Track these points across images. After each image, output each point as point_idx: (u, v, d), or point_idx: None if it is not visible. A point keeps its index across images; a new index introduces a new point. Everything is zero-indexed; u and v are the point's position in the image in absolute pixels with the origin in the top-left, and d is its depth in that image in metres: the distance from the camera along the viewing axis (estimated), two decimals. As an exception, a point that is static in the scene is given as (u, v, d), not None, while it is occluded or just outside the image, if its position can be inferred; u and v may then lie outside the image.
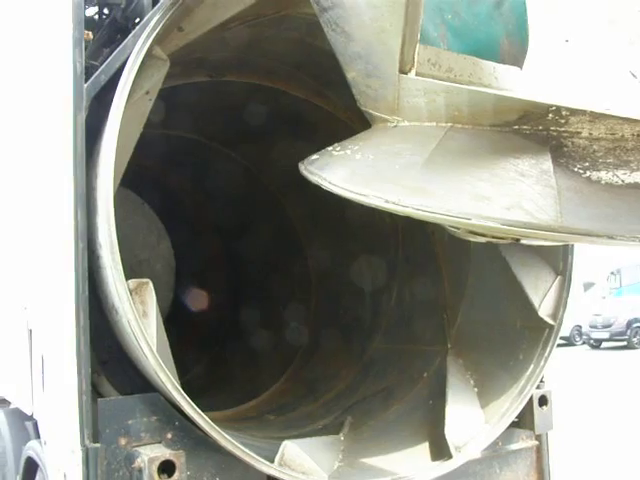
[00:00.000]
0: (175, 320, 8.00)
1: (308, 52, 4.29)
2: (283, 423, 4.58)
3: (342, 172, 2.62)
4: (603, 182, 2.41)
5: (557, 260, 4.04)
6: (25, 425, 4.62)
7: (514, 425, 4.04)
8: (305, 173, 2.77)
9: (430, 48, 3.02)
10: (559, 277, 4.02)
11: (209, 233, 7.70)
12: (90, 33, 3.19)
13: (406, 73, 2.57)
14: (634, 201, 2.37)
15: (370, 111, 2.81)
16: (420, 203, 2.37)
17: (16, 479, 4.60)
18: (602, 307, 30.96)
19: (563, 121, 2.48)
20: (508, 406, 3.85)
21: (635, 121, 2.48)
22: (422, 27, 2.67)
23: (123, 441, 3.08)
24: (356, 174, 2.59)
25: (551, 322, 3.94)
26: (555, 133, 2.51)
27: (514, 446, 4.19)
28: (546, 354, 3.93)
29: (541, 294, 3.97)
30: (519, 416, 3.99)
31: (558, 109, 2.46)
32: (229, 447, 3.00)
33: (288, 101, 5.01)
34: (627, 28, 3.35)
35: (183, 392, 2.94)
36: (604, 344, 29.51)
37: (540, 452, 4.31)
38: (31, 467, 4.25)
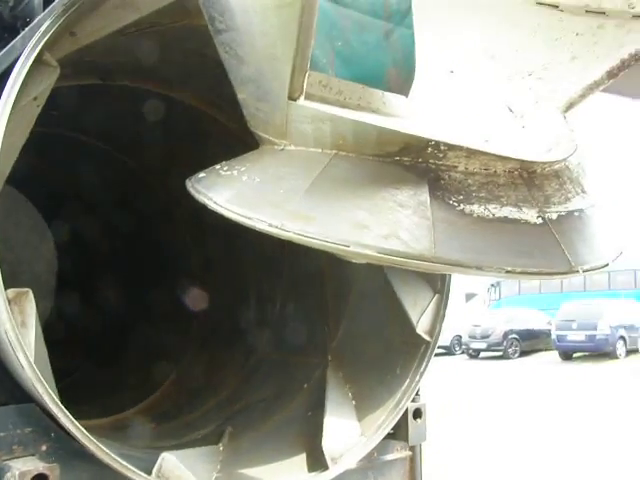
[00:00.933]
0: (56, 322, 7.81)
1: (204, 63, 4.29)
2: (164, 432, 4.56)
3: (228, 193, 2.67)
4: (475, 215, 2.56)
5: (436, 279, 4.21)
6: None
7: (389, 436, 4.18)
8: (192, 191, 2.80)
9: (320, 73, 3.11)
10: (437, 295, 4.20)
11: (95, 235, 7.54)
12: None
13: (295, 100, 2.64)
14: (502, 234, 2.53)
15: (259, 133, 2.87)
16: (301, 229, 2.45)
17: None
18: (481, 318, 32.23)
19: (441, 155, 2.62)
20: (384, 418, 3.98)
21: (507, 158, 2.65)
22: (312, 54, 2.76)
23: (-7, 455, 3.00)
24: (241, 196, 2.64)
25: (427, 338, 4.11)
26: (434, 166, 2.64)
27: (389, 457, 4.33)
28: (422, 369, 4.10)
29: (419, 311, 4.13)
30: (394, 428, 4.12)
31: (437, 143, 2.60)
32: (106, 459, 2.97)
33: (181, 110, 5.00)
34: (506, 64, 3.56)
35: (59, 403, 2.89)
36: (482, 354, 30.72)
37: (413, 462, 4.47)
38: None
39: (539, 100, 3.33)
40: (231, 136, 4.76)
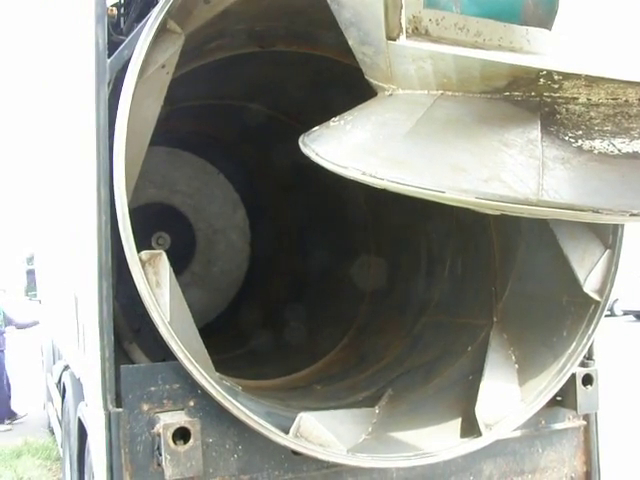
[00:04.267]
0: (250, 288, 8.16)
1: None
2: (327, 394, 4.59)
3: (330, 144, 2.57)
4: (596, 152, 2.24)
5: (607, 232, 3.84)
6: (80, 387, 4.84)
7: (558, 404, 3.91)
8: (300, 145, 2.74)
9: (457, 14, 2.89)
10: (608, 251, 3.83)
11: (282, 202, 7.74)
12: (114, 9, 3.22)
13: (394, 39, 2.47)
14: (628, 172, 2.19)
15: (370, 80, 2.73)
16: (396, 176, 2.29)
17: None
18: None
19: (556, 86, 2.32)
20: (546, 384, 3.71)
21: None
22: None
23: (146, 407, 3.18)
24: (342, 146, 2.53)
25: (597, 298, 3.77)
26: (549, 99, 2.35)
27: (558, 425, 4.06)
28: (590, 332, 3.77)
29: (587, 268, 3.79)
30: (562, 395, 3.85)
31: (549, 73, 2.30)
32: (242, 417, 3.04)
33: (340, 70, 4.93)
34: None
35: (194, 361, 2.98)
36: None
37: (588, 433, 4.15)
38: (82, 427, 4.45)
39: None
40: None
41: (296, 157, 6.65)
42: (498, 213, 2.75)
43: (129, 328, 3.79)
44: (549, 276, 4.11)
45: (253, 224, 8.37)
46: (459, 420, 3.73)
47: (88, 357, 3.68)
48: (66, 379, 5.59)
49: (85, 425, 4.12)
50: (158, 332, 3.55)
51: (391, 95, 2.62)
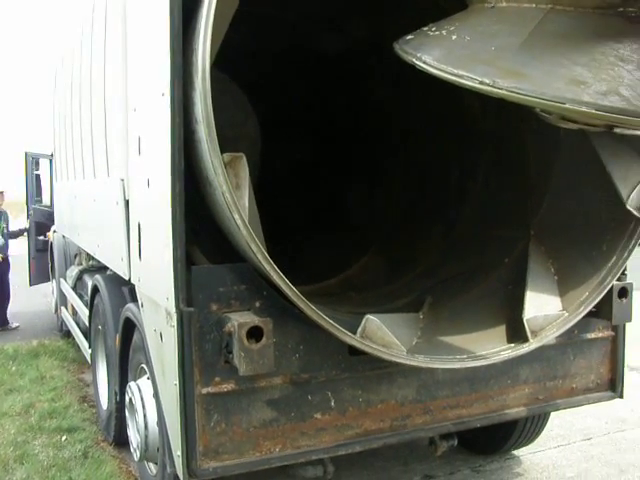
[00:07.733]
0: (261, 194, 8.16)
1: None
2: (364, 300, 4.73)
3: (437, 52, 2.61)
4: None
5: (650, 152, 3.93)
6: (122, 290, 4.94)
7: (591, 315, 4.08)
8: (400, 52, 2.76)
9: None
10: (651, 170, 3.93)
11: (296, 112, 7.69)
12: None
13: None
14: None
15: (469, -11, 2.75)
16: (514, 86, 2.35)
17: (116, 337, 4.96)
18: None
19: (675, 2, 2.37)
20: (587, 295, 3.88)
21: None
22: None
23: (215, 307, 3.28)
24: (451, 55, 2.57)
25: (638, 215, 3.90)
26: (667, 16, 2.41)
27: (590, 335, 4.28)
28: (630, 246, 3.92)
29: (630, 186, 3.89)
30: (597, 306, 4.01)
31: (669, -13, 2.36)
32: (314, 317, 3.15)
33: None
34: None
35: (272, 262, 3.07)
36: None
37: (615, 342, 4.38)
38: (129, 327, 4.57)
39: None
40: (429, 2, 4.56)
41: (318, 69, 6.59)
42: (576, 128, 2.84)
43: (190, 230, 3.85)
44: (587, 193, 4.21)
45: (264, 133, 8.31)
46: (503, 327, 3.91)
47: (149, 259, 3.76)
48: (98, 282, 5.68)
49: (137, 324, 4.24)
50: (219, 234, 3.63)
51: (494, 7, 2.65)
